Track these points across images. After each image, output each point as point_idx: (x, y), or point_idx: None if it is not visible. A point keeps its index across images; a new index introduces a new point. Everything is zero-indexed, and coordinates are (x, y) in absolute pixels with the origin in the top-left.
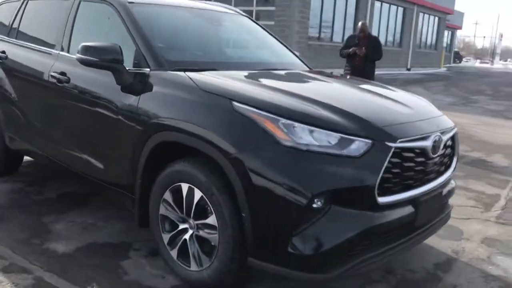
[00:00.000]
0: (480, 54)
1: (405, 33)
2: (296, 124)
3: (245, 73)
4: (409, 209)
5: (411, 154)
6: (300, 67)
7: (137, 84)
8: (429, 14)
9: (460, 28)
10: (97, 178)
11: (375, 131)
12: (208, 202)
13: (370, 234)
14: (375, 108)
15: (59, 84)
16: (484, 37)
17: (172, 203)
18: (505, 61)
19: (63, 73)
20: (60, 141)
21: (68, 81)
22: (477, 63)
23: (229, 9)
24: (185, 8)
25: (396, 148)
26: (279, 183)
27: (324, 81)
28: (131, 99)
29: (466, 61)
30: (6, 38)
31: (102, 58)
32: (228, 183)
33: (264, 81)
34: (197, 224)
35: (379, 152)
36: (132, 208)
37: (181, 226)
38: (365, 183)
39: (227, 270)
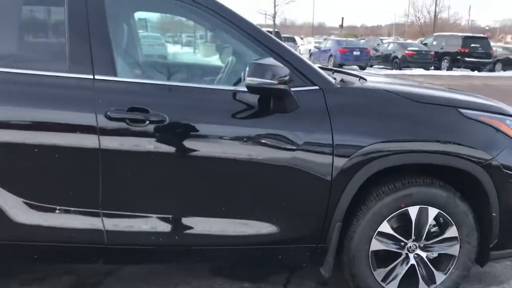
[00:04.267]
0: None
1: None
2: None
3: (386, 78)
4: None
5: None
6: None
7: (310, 106)
8: None
9: None
10: (258, 243)
11: None
12: (447, 216)
13: None
14: None
15: (134, 127)
16: None
17: (394, 233)
18: None
19: (140, 110)
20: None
21: (163, 120)
22: None
23: None
24: None
25: None
26: None
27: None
28: (312, 128)
29: None
30: None
31: (280, 80)
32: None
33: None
34: (428, 245)
35: None
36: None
37: (404, 254)
38: None
39: (467, 273)
